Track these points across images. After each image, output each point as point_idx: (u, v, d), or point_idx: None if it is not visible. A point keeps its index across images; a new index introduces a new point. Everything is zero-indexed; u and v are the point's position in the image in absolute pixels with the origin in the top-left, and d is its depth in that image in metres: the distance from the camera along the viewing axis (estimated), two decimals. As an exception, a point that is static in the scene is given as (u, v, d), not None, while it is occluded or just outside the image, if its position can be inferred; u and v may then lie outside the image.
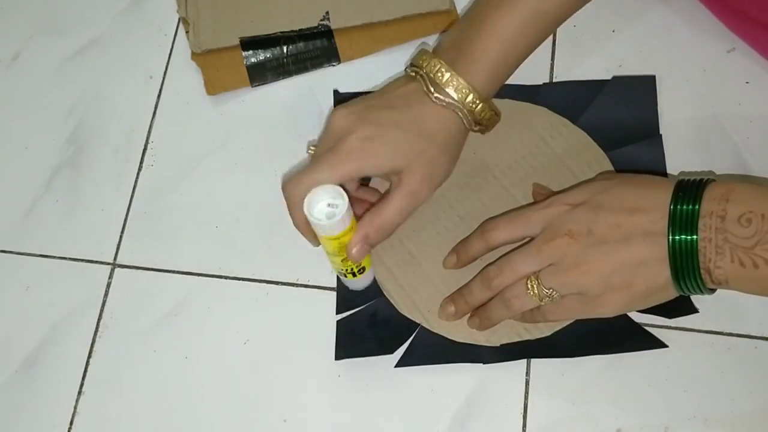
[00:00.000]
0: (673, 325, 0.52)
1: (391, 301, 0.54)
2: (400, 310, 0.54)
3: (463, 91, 0.49)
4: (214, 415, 0.54)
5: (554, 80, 0.60)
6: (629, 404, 0.51)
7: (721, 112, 0.57)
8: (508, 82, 0.55)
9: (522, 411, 0.52)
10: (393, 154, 0.49)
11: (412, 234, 0.56)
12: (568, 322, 0.52)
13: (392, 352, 0.53)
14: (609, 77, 0.59)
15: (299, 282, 0.56)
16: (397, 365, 0.52)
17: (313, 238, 0.51)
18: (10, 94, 0.65)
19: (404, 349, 0.53)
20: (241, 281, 0.57)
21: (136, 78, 0.64)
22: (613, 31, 0.61)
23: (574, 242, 0.46)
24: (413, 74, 0.51)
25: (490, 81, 0.50)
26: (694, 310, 0.51)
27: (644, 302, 0.47)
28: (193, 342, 0.56)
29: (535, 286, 0.48)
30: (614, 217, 0.46)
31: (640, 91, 0.58)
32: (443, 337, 0.53)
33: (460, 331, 0.53)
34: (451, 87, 0.49)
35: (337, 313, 0.54)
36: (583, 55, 0.60)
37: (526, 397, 0.52)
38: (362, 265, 0.52)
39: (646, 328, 0.52)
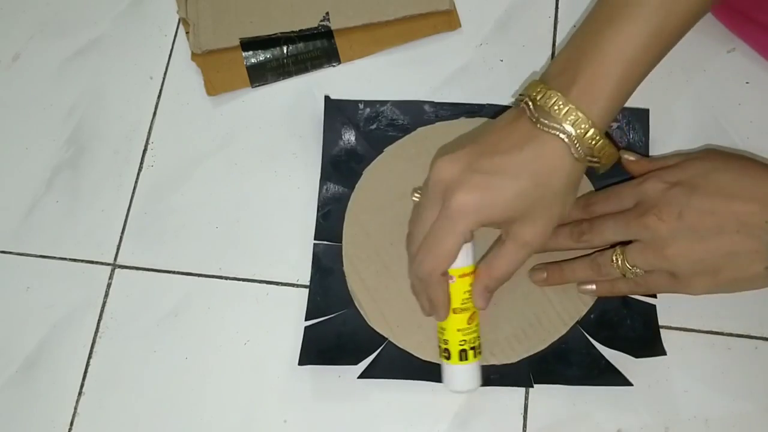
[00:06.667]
0: (673, 325, 0.52)
1: (361, 312, 0.54)
2: (369, 323, 0.53)
3: (582, 126, 0.44)
4: (214, 415, 0.54)
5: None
6: (629, 404, 0.51)
7: (721, 112, 0.57)
8: (493, 101, 0.56)
9: (522, 411, 0.52)
10: (505, 205, 0.45)
11: (390, 247, 0.55)
12: (540, 349, 0.51)
13: (356, 364, 0.52)
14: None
15: (299, 282, 0.56)
16: (360, 377, 0.52)
17: (447, 304, 0.49)
18: (10, 94, 0.65)
19: (369, 362, 0.52)
20: (241, 281, 0.57)
21: (136, 78, 0.64)
22: (613, 32, 0.61)
23: (662, 223, 0.46)
24: (524, 107, 0.46)
25: (608, 110, 0.45)
26: (663, 353, 0.51)
27: (731, 289, 0.47)
28: (193, 342, 0.56)
29: (619, 259, 0.48)
30: (709, 202, 0.45)
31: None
32: (409, 353, 0.52)
33: (426, 350, 0.52)
34: (568, 122, 0.44)
35: (306, 320, 0.54)
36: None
37: (526, 397, 0.52)
38: (478, 343, 0.50)
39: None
